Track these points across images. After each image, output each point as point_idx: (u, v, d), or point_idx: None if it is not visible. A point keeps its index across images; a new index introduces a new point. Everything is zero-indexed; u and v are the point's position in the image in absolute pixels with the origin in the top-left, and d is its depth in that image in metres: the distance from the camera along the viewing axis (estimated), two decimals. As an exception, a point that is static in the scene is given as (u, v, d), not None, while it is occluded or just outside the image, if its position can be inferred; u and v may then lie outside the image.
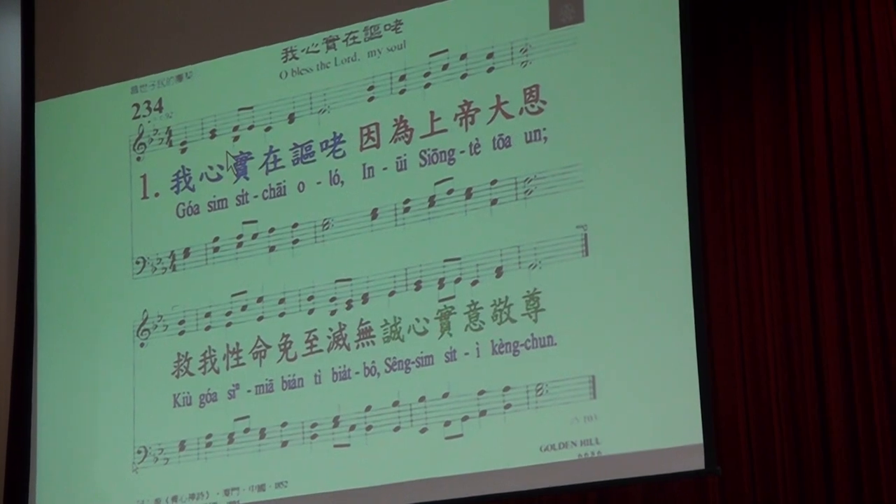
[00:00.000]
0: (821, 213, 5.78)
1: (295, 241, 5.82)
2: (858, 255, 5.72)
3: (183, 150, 6.10)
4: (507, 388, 5.36)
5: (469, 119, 5.57)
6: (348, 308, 5.68)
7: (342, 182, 5.76)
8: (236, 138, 6.00)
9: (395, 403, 5.54)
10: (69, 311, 6.23)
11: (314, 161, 5.84)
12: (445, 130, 5.61)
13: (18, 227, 6.43)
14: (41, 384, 6.21)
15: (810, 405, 5.68)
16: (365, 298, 5.66)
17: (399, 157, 5.68)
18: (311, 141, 5.85)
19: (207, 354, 5.92)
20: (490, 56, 5.56)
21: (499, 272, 5.44)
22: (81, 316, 6.20)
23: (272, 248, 5.85)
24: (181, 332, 5.99)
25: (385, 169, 5.68)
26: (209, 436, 5.85)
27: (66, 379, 6.20)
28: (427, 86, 5.68)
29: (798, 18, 5.88)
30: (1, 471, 6.41)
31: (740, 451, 5.73)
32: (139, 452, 5.98)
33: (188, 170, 6.07)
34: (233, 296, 5.89)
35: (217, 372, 5.89)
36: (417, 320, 5.56)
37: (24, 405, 6.26)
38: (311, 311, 5.76)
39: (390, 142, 5.71)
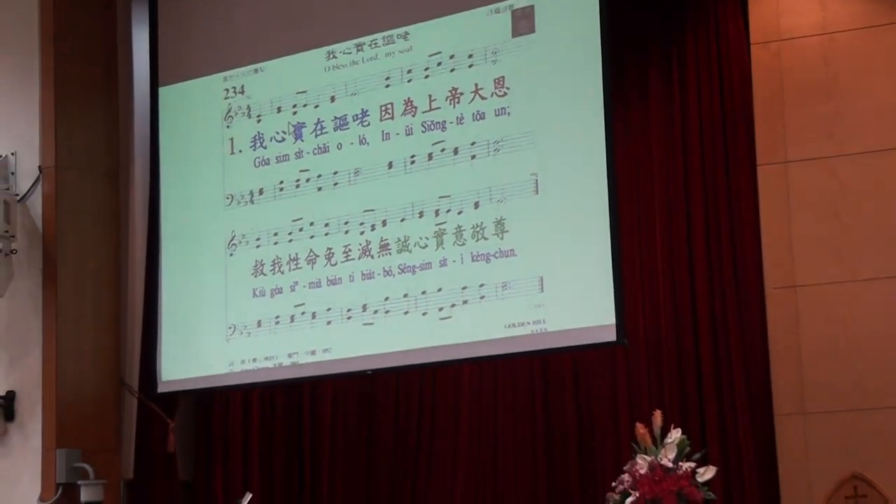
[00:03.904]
0: (693, 157, 6.39)
1: (335, 184, 6.60)
2: (718, 195, 6.43)
3: (258, 121, 6.86)
4: (482, 285, 6.17)
5: (456, 100, 6.32)
6: (372, 230, 6.45)
7: (368, 143, 6.53)
8: (295, 113, 6.75)
9: (405, 295, 6.34)
10: (182, 231, 7.03)
11: (348, 129, 6.58)
12: (440, 108, 6.34)
13: (149, 176, 7.24)
14: (164, 282, 7.07)
15: (686, 298, 6.37)
16: (384, 223, 6.42)
17: (407, 126, 6.42)
18: (346, 115, 6.60)
19: (276, 261, 6.71)
20: (470, 56, 6.31)
21: (476, 205, 6.21)
22: (190, 234, 7.00)
23: (320, 189, 6.65)
24: (257, 246, 6.77)
25: (398, 134, 6.45)
26: (277, 317, 6.70)
27: (181, 278, 7.02)
28: (427, 77, 6.39)
29: (679, 38, 6.50)
30: (137, 343, 7.17)
31: (638, 329, 6.43)
32: (230, 328, 6.84)
33: (262, 134, 6.86)
34: (292, 221, 6.68)
35: (282, 273, 6.68)
36: (420, 238, 6.33)
37: (153, 296, 7.12)
38: (346, 232, 6.53)
39: (401, 115, 6.44)
